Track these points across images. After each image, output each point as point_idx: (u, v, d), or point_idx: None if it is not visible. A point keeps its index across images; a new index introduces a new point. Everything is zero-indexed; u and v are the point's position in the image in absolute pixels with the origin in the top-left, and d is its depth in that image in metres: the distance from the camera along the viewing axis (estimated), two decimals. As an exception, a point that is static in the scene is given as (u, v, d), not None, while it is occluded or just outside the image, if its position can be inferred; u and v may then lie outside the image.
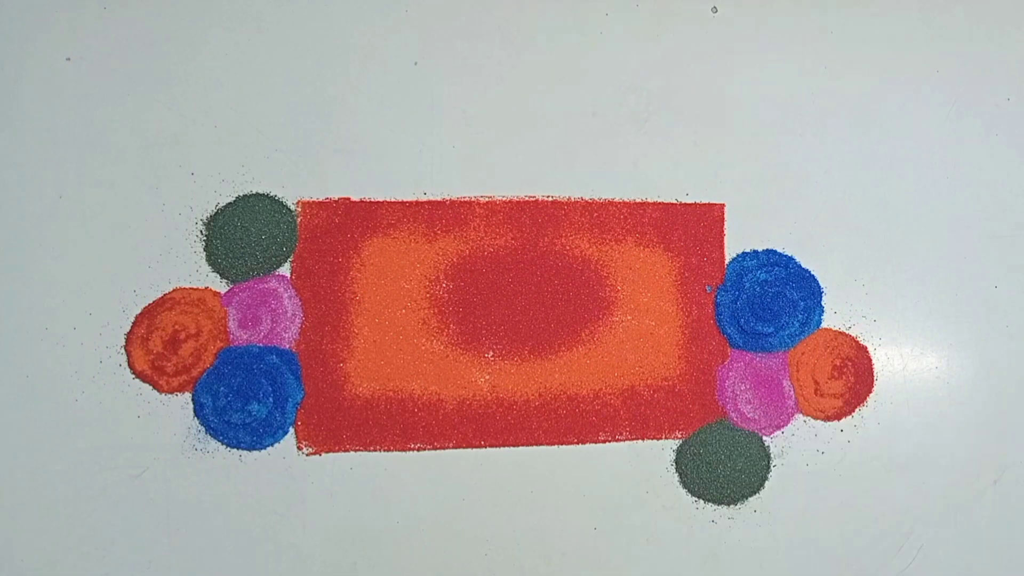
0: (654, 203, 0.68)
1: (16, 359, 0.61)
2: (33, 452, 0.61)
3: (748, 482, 0.66)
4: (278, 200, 0.65)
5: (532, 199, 0.67)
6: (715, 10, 0.71)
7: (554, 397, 0.65)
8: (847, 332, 0.69)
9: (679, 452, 0.66)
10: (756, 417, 0.67)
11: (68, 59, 0.64)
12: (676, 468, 0.66)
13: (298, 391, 0.63)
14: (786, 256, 0.69)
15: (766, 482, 0.67)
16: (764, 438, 0.67)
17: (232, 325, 0.63)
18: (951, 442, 0.69)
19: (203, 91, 0.65)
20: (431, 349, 0.65)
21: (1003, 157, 0.72)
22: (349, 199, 0.65)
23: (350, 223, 0.65)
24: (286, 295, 0.64)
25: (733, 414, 0.67)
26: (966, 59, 0.73)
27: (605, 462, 0.65)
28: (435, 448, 0.64)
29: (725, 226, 0.68)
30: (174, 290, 0.63)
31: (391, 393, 0.64)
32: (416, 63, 0.67)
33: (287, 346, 0.63)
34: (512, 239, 0.66)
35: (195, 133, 0.65)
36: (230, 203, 0.64)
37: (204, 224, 0.64)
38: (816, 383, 0.68)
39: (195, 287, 0.63)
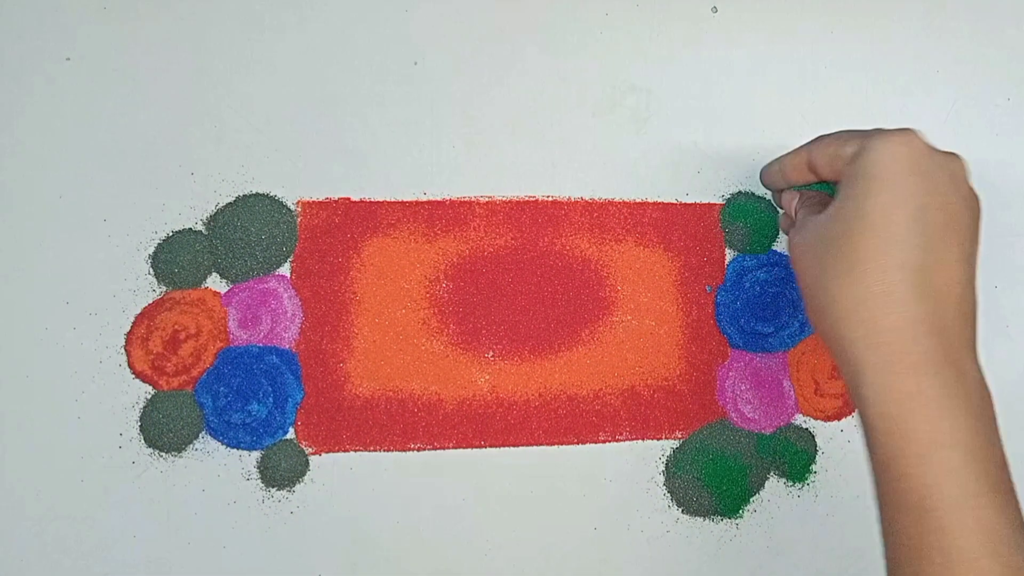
0: (654, 203, 0.68)
1: (16, 359, 0.61)
2: (33, 452, 0.61)
3: (748, 482, 0.66)
4: (278, 200, 0.65)
5: (532, 199, 0.67)
6: (715, 10, 0.71)
7: (554, 397, 0.65)
8: (847, 332, 0.69)
9: (679, 452, 0.66)
10: (756, 417, 0.67)
11: (68, 59, 0.64)
12: (676, 468, 0.66)
13: (298, 391, 0.63)
14: (786, 256, 0.69)
15: (766, 482, 0.67)
16: (764, 438, 0.67)
17: (232, 325, 0.63)
18: (951, 442, 0.69)
19: (203, 91, 0.65)
20: (431, 349, 0.65)
21: (1003, 157, 0.72)
22: (349, 199, 0.65)
23: (350, 223, 0.65)
24: (286, 295, 0.64)
25: (733, 414, 0.67)
26: (966, 59, 0.73)
27: (605, 462, 0.65)
28: (435, 448, 0.64)
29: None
30: (174, 290, 0.63)
31: (391, 393, 0.64)
32: (416, 63, 0.67)
33: (287, 346, 0.63)
34: (512, 239, 0.66)
35: (195, 133, 0.65)
36: (230, 203, 0.64)
37: (204, 224, 0.64)
38: (816, 383, 0.68)
39: (195, 287, 0.63)
